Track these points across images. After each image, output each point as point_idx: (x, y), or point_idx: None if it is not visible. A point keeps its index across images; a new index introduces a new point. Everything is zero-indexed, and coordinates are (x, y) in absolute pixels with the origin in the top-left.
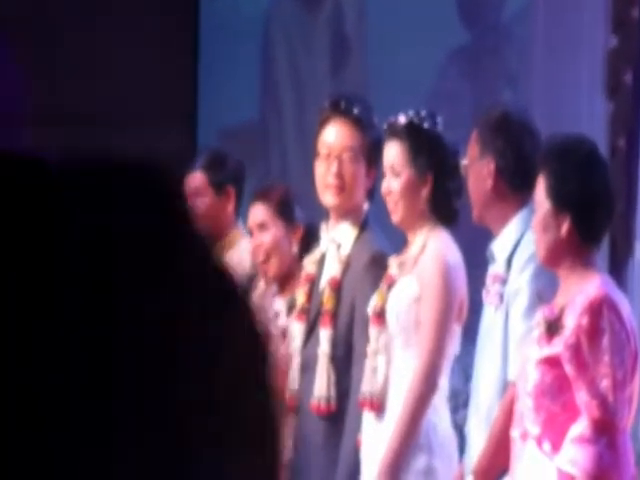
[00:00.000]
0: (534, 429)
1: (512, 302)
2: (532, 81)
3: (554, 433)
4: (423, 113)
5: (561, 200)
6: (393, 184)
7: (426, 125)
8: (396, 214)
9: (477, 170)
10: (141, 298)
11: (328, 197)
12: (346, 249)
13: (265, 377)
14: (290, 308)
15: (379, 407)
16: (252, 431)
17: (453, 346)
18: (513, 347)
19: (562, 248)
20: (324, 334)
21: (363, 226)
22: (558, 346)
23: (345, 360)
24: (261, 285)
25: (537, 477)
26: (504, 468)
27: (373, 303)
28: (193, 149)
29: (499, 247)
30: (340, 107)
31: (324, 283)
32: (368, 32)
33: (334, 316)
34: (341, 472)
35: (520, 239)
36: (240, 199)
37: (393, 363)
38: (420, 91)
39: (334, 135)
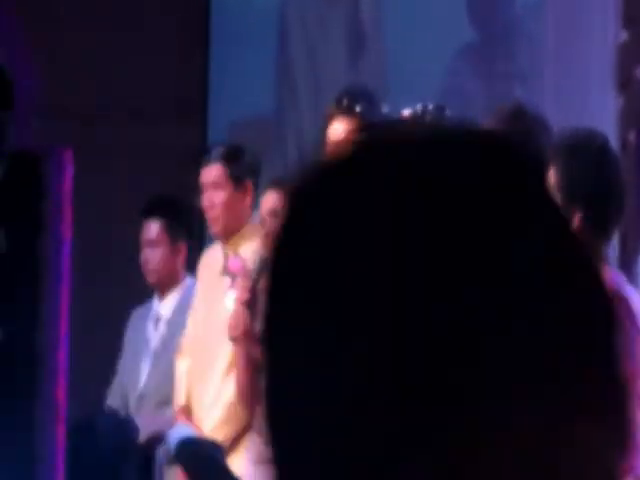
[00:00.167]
0: None
1: None
2: (543, 76)
3: None
4: (430, 107)
5: (572, 194)
6: None
7: (429, 118)
8: None
9: None
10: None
11: None
12: None
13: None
14: None
15: None
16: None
17: None
18: None
19: None
20: None
21: None
22: None
23: None
24: None
25: None
26: None
27: None
28: (204, 142)
29: None
30: (342, 104)
31: None
32: (385, 21)
33: None
34: None
35: None
36: (256, 192)
37: None
38: (436, 78)
39: (338, 132)
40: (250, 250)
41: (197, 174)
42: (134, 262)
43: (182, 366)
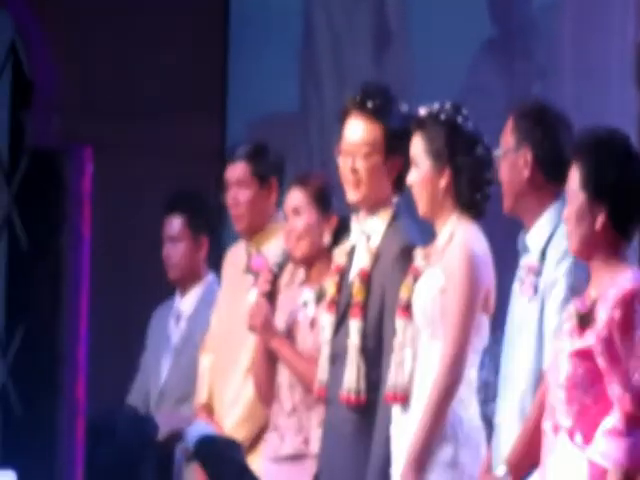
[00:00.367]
0: (566, 421)
1: (548, 294)
2: (562, 73)
3: (586, 425)
4: (447, 105)
5: (598, 192)
6: (413, 176)
7: (443, 117)
8: (419, 205)
9: (512, 160)
10: None
11: (349, 193)
12: (376, 241)
13: None
14: (319, 298)
15: (404, 400)
16: None
17: (481, 337)
18: (548, 339)
19: (596, 240)
20: (354, 326)
21: (393, 218)
22: (590, 339)
23: (375, 352)
24: (289, 272)
25: (569, 469)
26: (538, 459)
27: (400, 295)
28: (222, 139)
29: (533, 238)
30: (356, 101)
31: (353, 275)
32: (410, 15)
33: (364, 308)
34: (373, 465)
35: (555, 230)
36: (281, 190)
37: (419, 355)
38: (461, 72)
39: (351, 130)
40: (273, 248)
41: (217, 172)
42: (154, 260)
43: (205, 362)
